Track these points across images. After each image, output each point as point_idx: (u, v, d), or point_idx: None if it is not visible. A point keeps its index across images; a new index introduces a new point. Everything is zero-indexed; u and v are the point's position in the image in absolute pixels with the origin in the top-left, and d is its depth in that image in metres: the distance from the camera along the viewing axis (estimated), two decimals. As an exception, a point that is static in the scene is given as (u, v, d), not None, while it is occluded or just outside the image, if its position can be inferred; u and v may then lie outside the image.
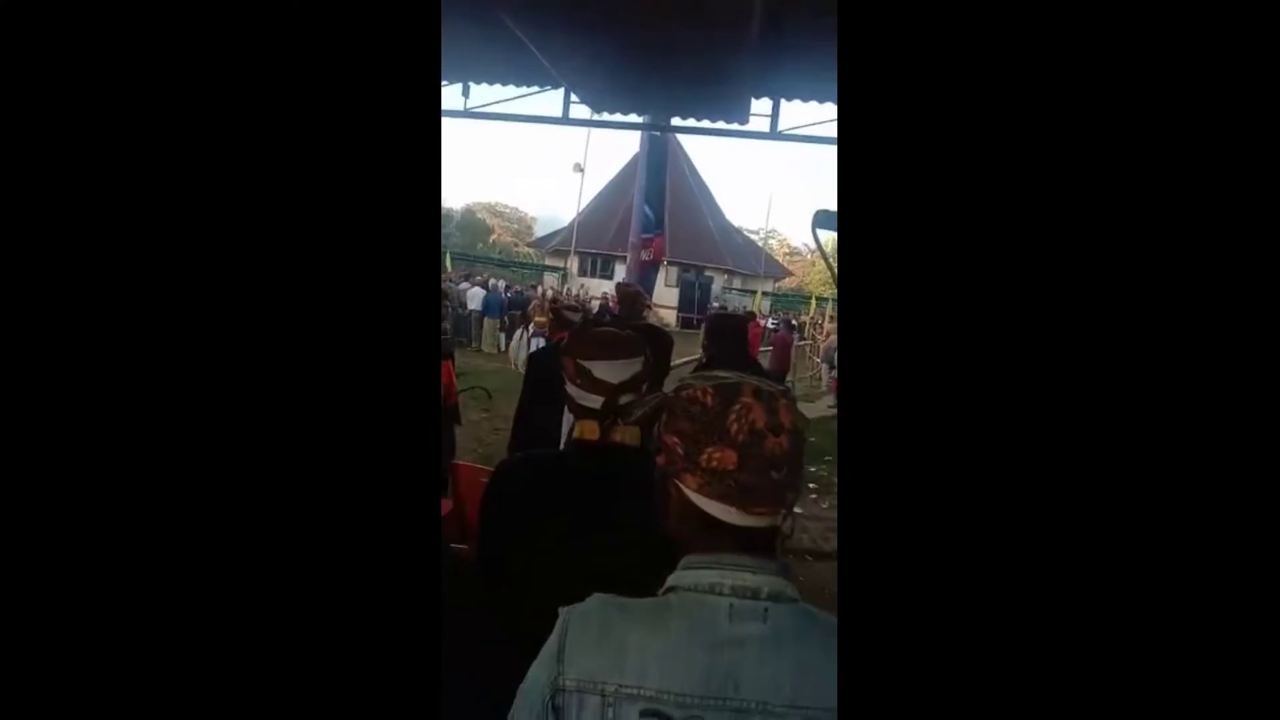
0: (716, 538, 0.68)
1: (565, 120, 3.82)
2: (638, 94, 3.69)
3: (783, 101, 3.61)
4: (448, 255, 19.79)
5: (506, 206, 49.85)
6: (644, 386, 1.09)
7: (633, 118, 4.00)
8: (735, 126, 3.85)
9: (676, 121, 4.06)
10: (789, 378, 10.64)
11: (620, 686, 0.64)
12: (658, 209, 5.68)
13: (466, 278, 14.51)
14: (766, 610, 0.65)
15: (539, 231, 32.94)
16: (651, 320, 4.27)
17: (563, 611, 0.69)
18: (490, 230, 40.68)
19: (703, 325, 2.92)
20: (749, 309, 14.86)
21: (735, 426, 0.65)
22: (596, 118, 3.90)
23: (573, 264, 22.66)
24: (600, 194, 25.48)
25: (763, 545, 0.68)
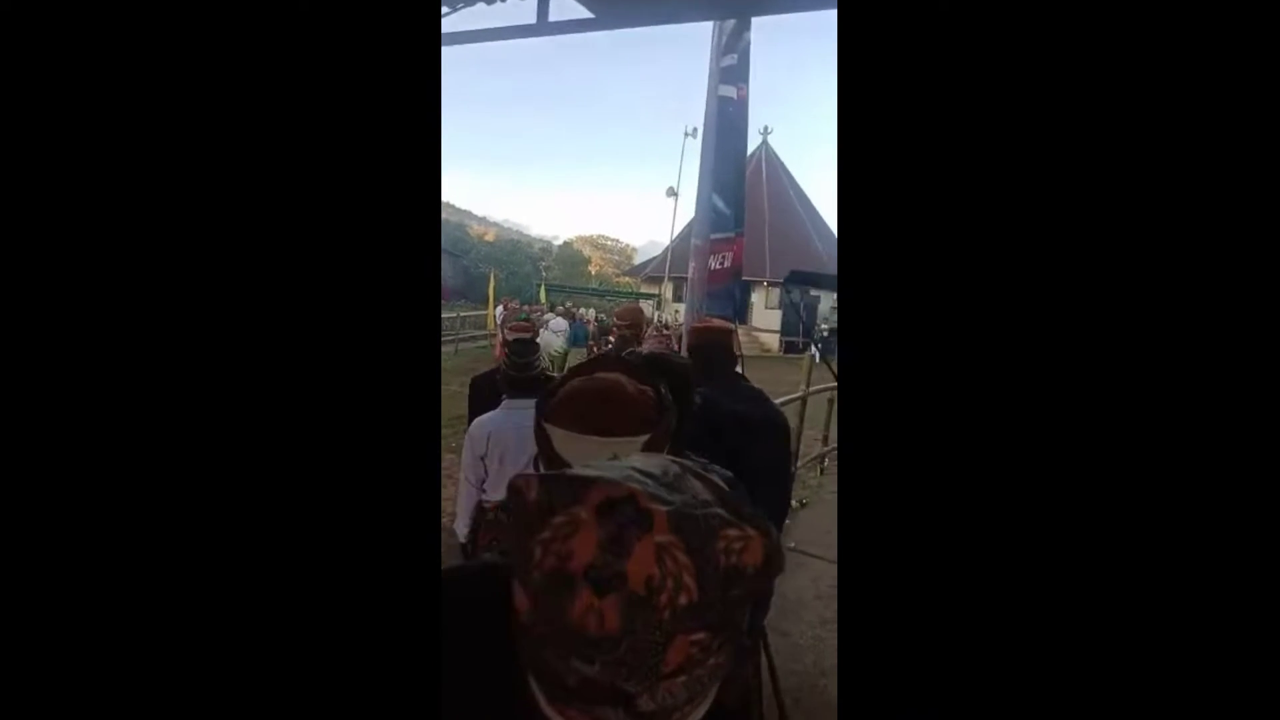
0: None
1: (547, 27, 2.51)
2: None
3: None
4: (542, 288, 19.88)
5: (609, 239, 50.72)
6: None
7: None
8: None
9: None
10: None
11: None
12: (735, 202, 3.86)
13: (552, 309, 14.32)
14: None
15: (639, 260, 32.60)
16: (669, 348, 3.01)
17: None
18: (588, 261, 41.16)
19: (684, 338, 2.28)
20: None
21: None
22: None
23: (667, 290, 21.63)
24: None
25: None
